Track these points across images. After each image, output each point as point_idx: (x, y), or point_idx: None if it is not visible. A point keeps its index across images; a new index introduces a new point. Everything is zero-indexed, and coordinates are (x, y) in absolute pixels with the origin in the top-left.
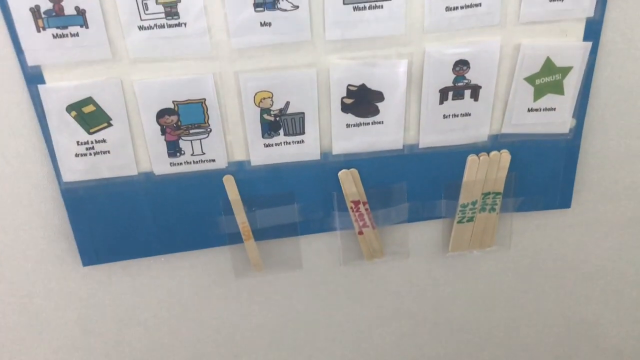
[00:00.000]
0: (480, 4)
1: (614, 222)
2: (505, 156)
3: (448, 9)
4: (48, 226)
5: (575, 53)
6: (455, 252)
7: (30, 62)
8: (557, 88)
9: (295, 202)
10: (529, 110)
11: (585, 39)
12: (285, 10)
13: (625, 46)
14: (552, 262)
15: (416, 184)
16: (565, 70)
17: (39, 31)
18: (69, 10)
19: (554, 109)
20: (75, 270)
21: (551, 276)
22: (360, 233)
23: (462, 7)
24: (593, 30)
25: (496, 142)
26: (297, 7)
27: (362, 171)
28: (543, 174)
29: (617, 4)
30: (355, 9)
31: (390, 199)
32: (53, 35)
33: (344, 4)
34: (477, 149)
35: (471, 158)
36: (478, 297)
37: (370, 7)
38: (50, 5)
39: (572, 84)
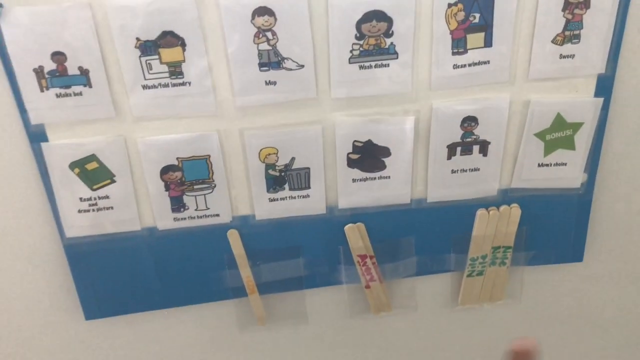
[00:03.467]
0: (488, 62)
1: (627, 275)
2: (515, 211)
3: (455, 66)
4: (51, 280)
5: (586, 109)
6: (465, 306)
7: (34, 120)
8: (568, 143)
9: (300, 256)
10: (539, 165)
11: (597, 94)
12: (291, 69)
13: (637, 102)
14: (564, 315)
15: (424, 238)
16: (577, 126)
17: (42, 91)
18: (72, 70)
19: (565, 164)
20: (77, 324)
21: (563, 329)
22: (367, 287)
23: (469, 65)
24: (604, 86)
25: (506, 197)
26: (303, 66)
27: (369, 225)
28: (554, 228)
29: (629, 60)
30: (361, 67)
31: (397, 253)
32: (56, 94)
33: (350, 63)
34: (486, 203)
35: (481, 212)
36: (488, 351)
37: (376, 66)
38: (53, 66)
39: (583, 139)
